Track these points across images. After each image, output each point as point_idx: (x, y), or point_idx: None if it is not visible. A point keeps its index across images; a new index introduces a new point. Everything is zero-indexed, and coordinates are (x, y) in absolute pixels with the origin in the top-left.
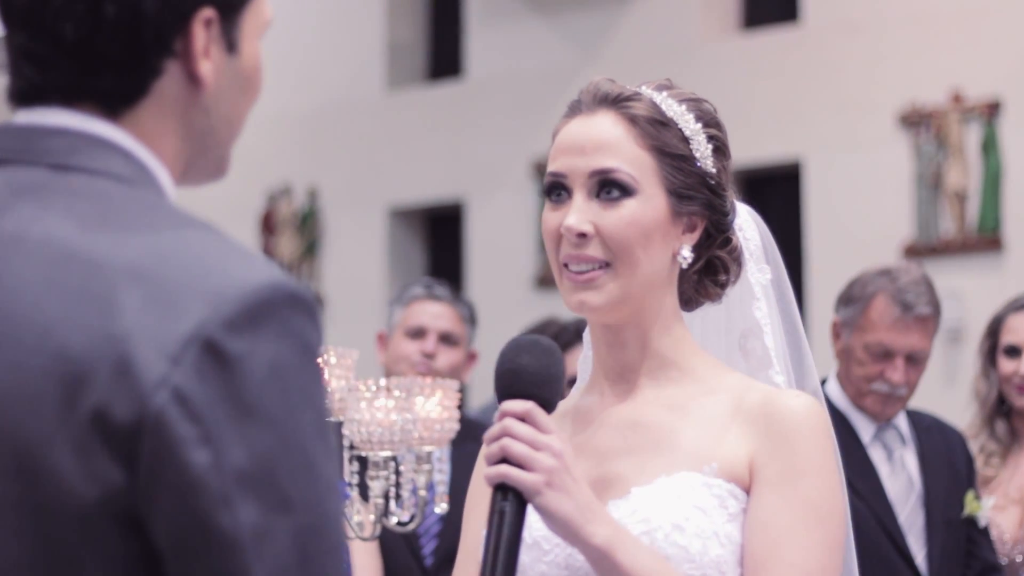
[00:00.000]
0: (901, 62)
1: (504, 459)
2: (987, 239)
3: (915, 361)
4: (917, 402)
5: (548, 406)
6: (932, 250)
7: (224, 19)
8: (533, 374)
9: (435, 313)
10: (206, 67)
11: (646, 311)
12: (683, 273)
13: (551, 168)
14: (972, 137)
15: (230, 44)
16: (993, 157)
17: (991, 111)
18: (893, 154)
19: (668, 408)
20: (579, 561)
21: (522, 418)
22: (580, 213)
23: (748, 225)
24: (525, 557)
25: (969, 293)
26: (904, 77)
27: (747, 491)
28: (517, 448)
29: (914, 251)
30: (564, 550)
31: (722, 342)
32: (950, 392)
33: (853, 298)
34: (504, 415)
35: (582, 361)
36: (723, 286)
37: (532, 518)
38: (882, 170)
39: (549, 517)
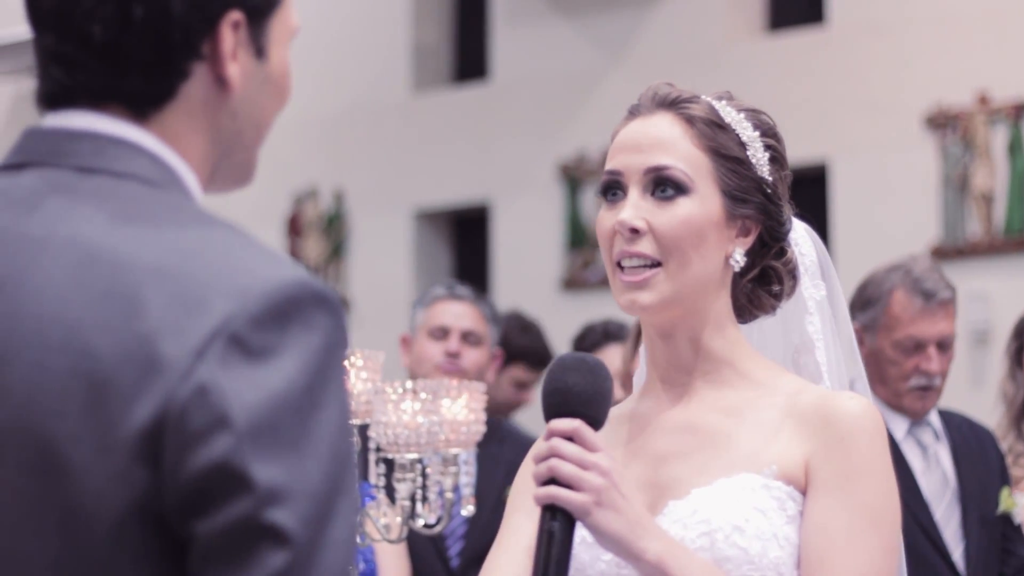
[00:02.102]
0: (927, 64)
1: (552, 479)
2: (1014, 241)
3: (945, 347)
4: (945, 404)
5: (596, 424)
6: (959, 252)
7: (252, 23)
8: (580, 393)
9: (457, 313)
10: (233, 70)
11: (698, 312)
12: (737, 281)
13: (608, 167)
14: (999, 139)
15: (258, 49)
16: (1020, 158)
17: (1018, 113)
18: (919, 156)
19: (724, 411)
20: None
21: (570, 437)
22: (634, 209)
23: (804, 241)
24: (584, 555)
25: (996, 295)
26: (930, 79)
27: (803, 493)
28: (565, 468)
29: (941, 253)
30: None
31: (779, 357)
32: (977, 394)
33: (870, 300)
34: (551, 434)
35: (639, 371)
36: (777, 297)
37: None
38: (908, 172)
39: (600, 535)
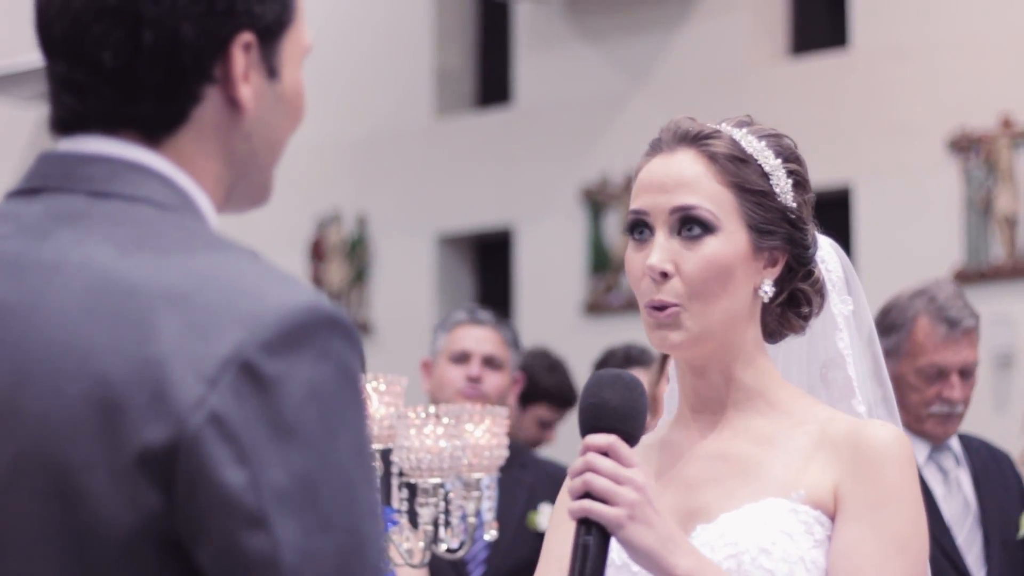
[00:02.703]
0: (950, 87)
1: (587, 493)
2: None
3: (967, 374)
4: (967, 429)
5: (631, 440)
6: (982, 275)
7: (263, 44)
8: (615, 408)
9: (479, 337)
10: (246, 91)
11: (729, 346)
12: (766, 306)
13: (633, 206)
14: (1022, 162)
15: (271, 70)
16: None
17: None
18: (942, 179)
19: (755, 441)
20: None
21: (605, 452)
22: (662, 252)
23: (830, 257)
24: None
25: (1019, 318)
26: (953, 102)
27: (832, 518)
28: (600, 483)
29: (964, 276)
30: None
31: (804, 372)
32: (1001, 417)
33: (894, 325)
34: (587, 449)
35: (668, 394)
36: (806, 318)
37: None
38: (931, 195)
39: (632, 550)
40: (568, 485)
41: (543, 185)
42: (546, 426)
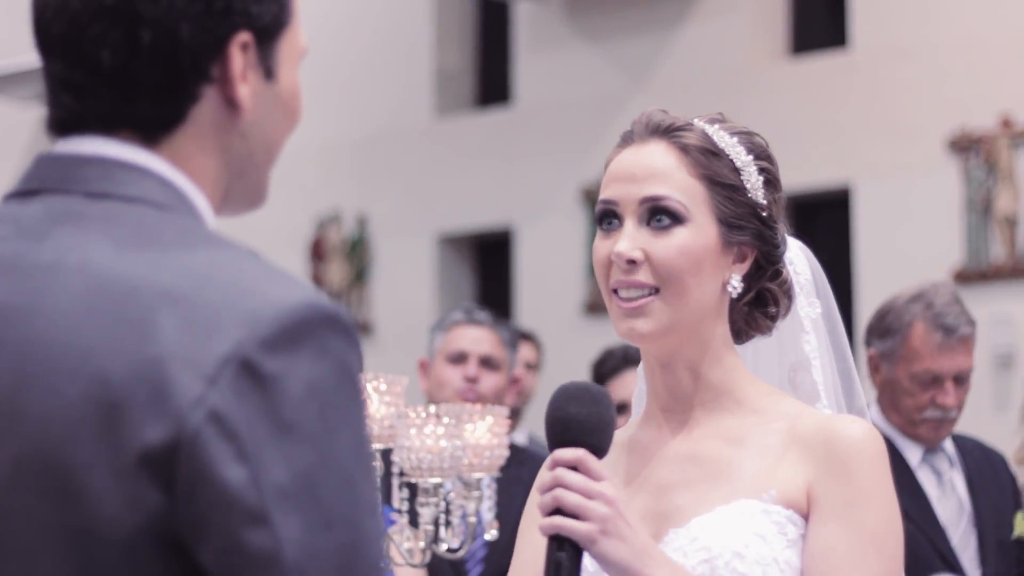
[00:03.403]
0: (950, 87)
1: (558, 509)
2: None
3: (962, 380)
4: (968, 428)
5: (599, 452)
6: (982, 275)
7: (261, 44)
8: (583, 422)
9: (476, 337)
10: (244, 91)
11: (696, 340)
12: (733, 304)
13: (602, 196)
14: (1022, 162)
15: (267, 70)
16: None
17: None
18: (943, 179)
19: (725, 440)
20: None
21: (574, 466)
22: (630, 240)
23: (799, 259)
24: None
25: (1019, 318)
26: (953, 102)
27: (805, 517)
28: (570, 498)
29: (964, 276)
30: None
31: (774, 375)
32: (1000, 418)
33: (890, 329)
34: (556, 464)
35: (637, 395)
36: (773, 318)
37: None
38: (932, 195)
39: (606, 564)
40: (537, 501)
41: (543, 185)
42: None
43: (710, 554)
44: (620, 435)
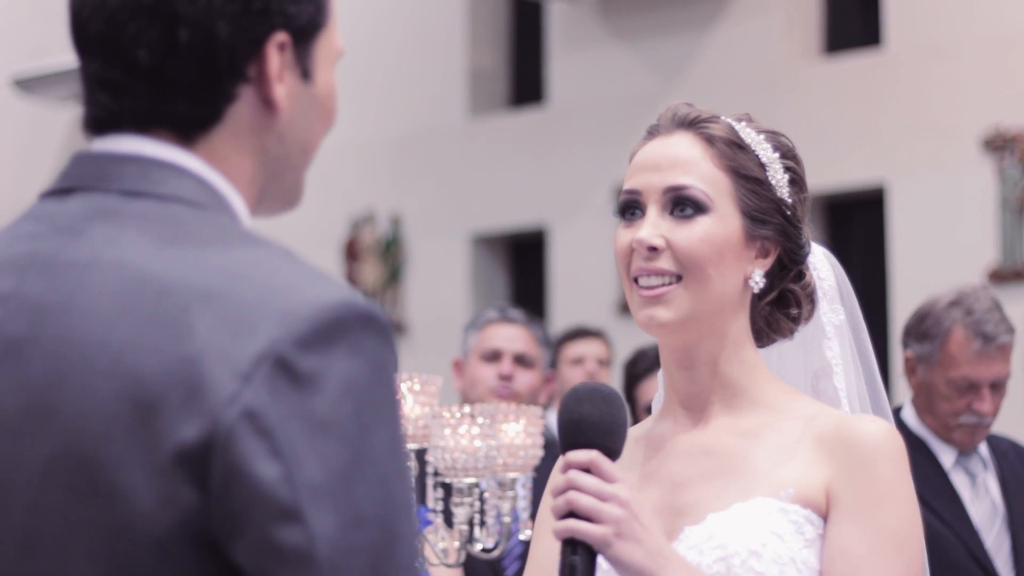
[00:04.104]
0: (985, 86)
1: (571, 512)
2: None
3: (999, 387)
4: (1002, 427)
5: (612, 454)
6: (1017, 274)
7: (297, 45)
8: (595, 423)
9: (509, 336)
10: (280, 91)
11: (716, 333)
12: (755, 304)
13: (626, 186)
14: None
15: (304, 71)
16: None
17: None
18: (977, 178)
19: (741, 435)
20: None
21: (587, 468)
22: (652, 227)
23: (823, 265)
24: None
25: None
26: (988, 101)
27: (823, 517)
28: (584, 501)
29: (998, 275)
30: None
31: (800, 383)
32: None
33: (928, 334)
34: (568, 466)
35: (656, 397)
36: (795, 321)
37: None
38: (966, 194)
39: (621, 567)
40: (551, 504)
41: (577, 184)
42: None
43: (726, 552)
44: (636, 430)
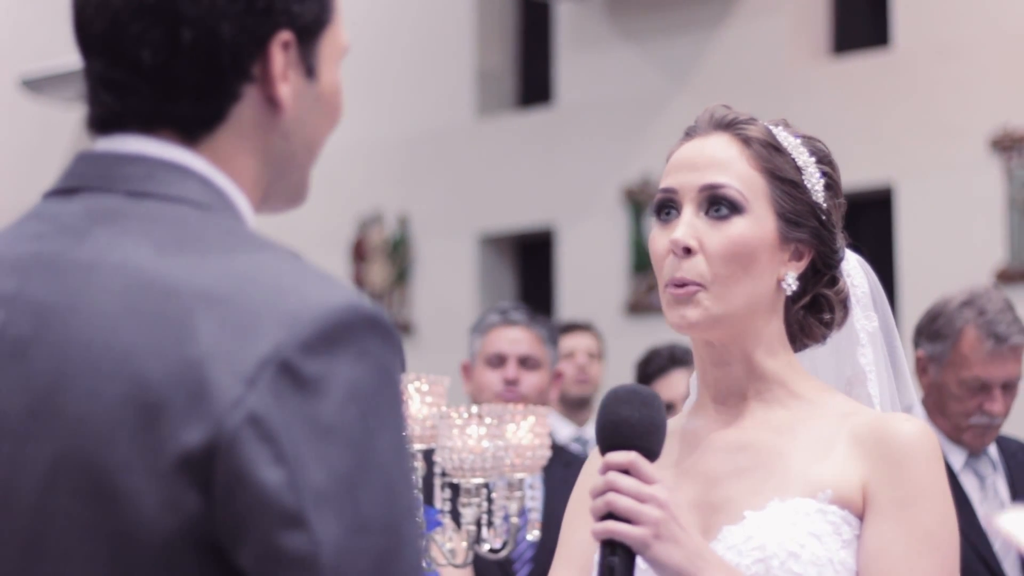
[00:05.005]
0: (993, 86)
1: (610, 513)
2: None
3: (1010, 388)
4: (1014, 430)
5: (651, 456)
6: None
7: (302, 43)
8: (634, 425)
9: (513, 338)
10: (285, 90)
11: (749, 333)
12: (788, 308)
13: (662, 185)
14: None
15: (308, 69)
16: None
17: None
18: (985, 178)
19: (776, 430)
20: None
21: (626, 470)
22: (687, 227)
23: (856, 272)
24: None
25: None
26: (996, 101)
27: (860, 517)
28: (623, 502)
29: (1007, 276)
30: None
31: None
32: None
33: (940, 334)
34: (607, 468)
35: (692, 382)
36: (828, 326)
37: None
38: (974, 194)
39: (660, 569)
40: (589, 505)
41: (584, 185)
42: None
43: (765, 553)
44: (670, 424)
